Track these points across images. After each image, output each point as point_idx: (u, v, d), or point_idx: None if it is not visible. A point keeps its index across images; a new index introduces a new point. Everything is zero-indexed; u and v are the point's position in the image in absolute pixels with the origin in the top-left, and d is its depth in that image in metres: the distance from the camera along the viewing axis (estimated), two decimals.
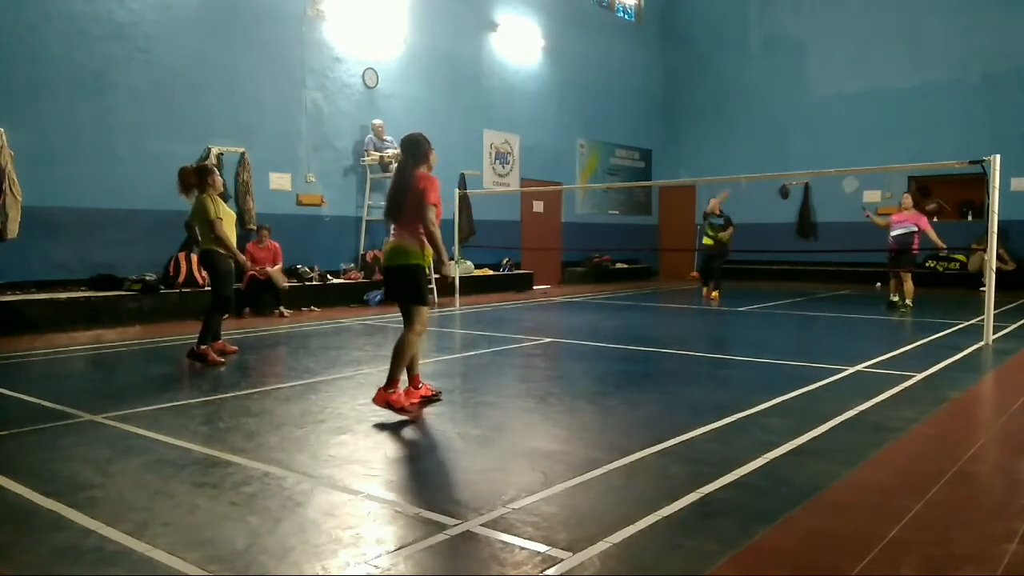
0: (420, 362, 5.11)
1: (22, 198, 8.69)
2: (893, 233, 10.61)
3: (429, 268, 4.85)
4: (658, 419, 4.75)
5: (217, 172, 6.92)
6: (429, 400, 4.98)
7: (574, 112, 17.02)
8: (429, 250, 4.71)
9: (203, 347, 6.54)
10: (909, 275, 10.64)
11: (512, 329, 8.94)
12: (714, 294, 12.36)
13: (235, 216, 7.05)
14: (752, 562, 2.62)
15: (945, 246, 10.75)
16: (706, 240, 12.58)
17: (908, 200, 10.89)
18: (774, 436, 4.12)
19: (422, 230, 4.61)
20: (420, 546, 2.73)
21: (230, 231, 6.70)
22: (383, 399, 4.62)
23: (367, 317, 10.21)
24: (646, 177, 19.18)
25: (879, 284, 14.89)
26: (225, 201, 6.94)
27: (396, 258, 4.70)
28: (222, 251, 6.62)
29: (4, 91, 8.83)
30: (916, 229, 10.47)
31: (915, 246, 10.56)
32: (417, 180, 4.64)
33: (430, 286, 10.26)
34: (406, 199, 4.63)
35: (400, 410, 4.62)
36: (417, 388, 4.96)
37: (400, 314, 4.84)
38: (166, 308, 9.57)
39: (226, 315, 6.91)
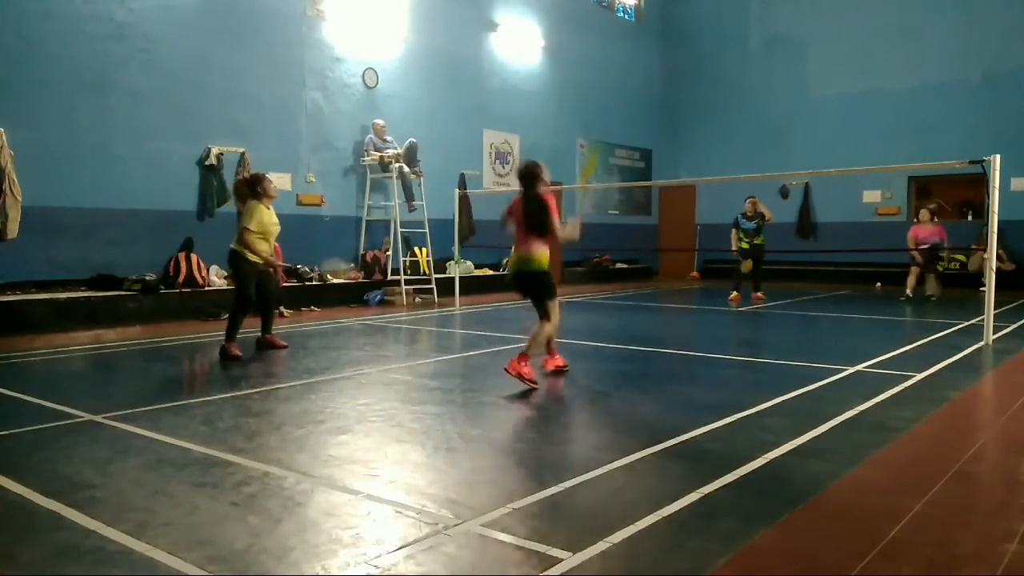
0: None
1: (22, 198, 8.70)
2: (924, 246, 12.14)
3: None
4: (658, 419, 4.75)
5: (268, 178, 7.33)
6: (560, 371, 5.95)
7: (574, 112, 17.02)
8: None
9: (225, 344, 6.90)
10: (934, 275, 12.28)
11: (512, 329, 8.94)
12: (758, 294, 12.34)
13: (277, 226, 7.35)
14: (752, 562, 2.62)
15: (950, 249, 12.43)
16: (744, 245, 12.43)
17: (926, 214, 12.27)
18: (774, 436, 4.12)
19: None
20: (420, 546, 2.73)
21: (268, 238, 7.15)
22: (516, 370, 5.34)
23: (367, 317, 10.22)
24: (646, 177, 19.18)
25: (879, 284, 14.90)
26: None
27: (529, 264, 5.73)
28: (248, 254, 6.97)
29: (4, 91, 8.82)
30: (940, 241, 12.13)
31: (944, 253, 12.41)
32: (545, 198, 5.75)
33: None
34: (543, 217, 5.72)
35: (529, 381, 5.34)
36: (553, 357, 6.02)
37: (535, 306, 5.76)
38: (166, 308, 9.57)
39: (247, 313, 7.12)
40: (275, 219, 7.30)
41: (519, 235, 5.80)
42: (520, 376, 5.34)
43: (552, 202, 5.73)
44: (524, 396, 5.38)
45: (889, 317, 10.19)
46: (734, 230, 12.56)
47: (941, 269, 12.81)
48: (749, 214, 12.42)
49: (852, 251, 12.23)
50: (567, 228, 5.92)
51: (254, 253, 6.98)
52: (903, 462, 3.79)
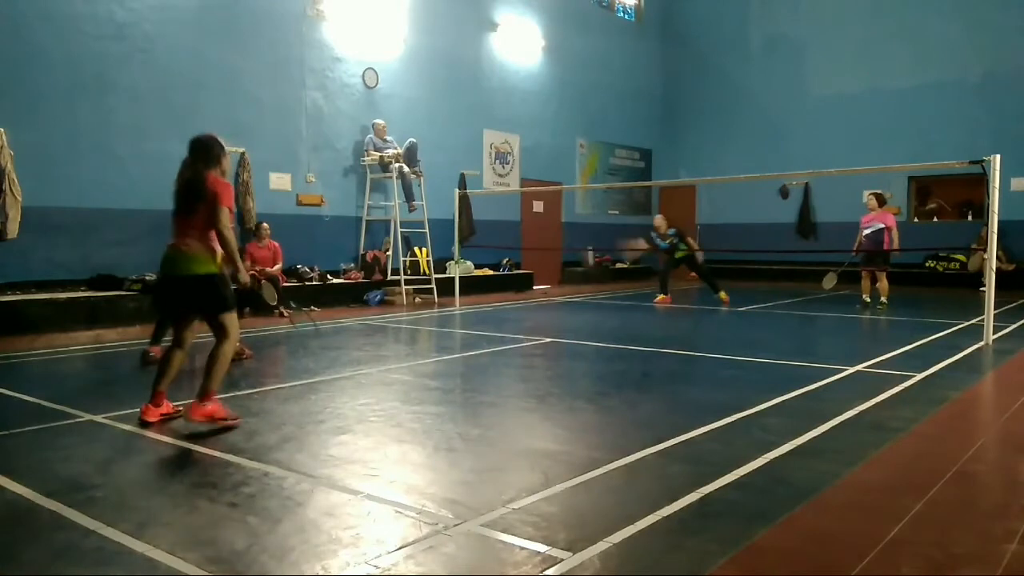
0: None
1: (22, 198, 8.70)
2: (865, 233, 11.02)
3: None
4: (658, 419, 4.75)
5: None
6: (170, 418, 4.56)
7: (574, 112, 17.02)
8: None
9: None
10: (884, 273, 11.09)
11: (512, 329, 8.94)
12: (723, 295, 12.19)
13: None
14: (752, 562, 2.62)
15: (900, 249, 11.12)
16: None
17: (873, 201, 11.16)
18: (774, 436, 4.12)
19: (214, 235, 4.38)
20: (420, 546, 2.73)
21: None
22: (202, 414, 4.25)
23: (367, 317, 10.21)
24: (646, 177, 19.18)
25: (878, 284, 14.89)
26: None
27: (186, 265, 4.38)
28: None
29: (4, 91, 8.82)
30: (884, 227, 10.88)
31: (887, 245, 10.93)
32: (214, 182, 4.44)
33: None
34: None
35: (224, 420, 4.31)
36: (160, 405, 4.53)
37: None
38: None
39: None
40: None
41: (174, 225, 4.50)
42: (211, 419, 4.25)
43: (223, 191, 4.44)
44: (524, 396, 5.38)
45: (889, 317, 10.19)
46: (642, 239, 12.52)
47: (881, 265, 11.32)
48: (661, 231, 12.08)
49: (852, 251, 12.24)
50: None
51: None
52: (903, 462, 3.79)
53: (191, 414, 4.27)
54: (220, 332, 4.41)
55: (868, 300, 11.06)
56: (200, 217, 4.32)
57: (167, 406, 4.56)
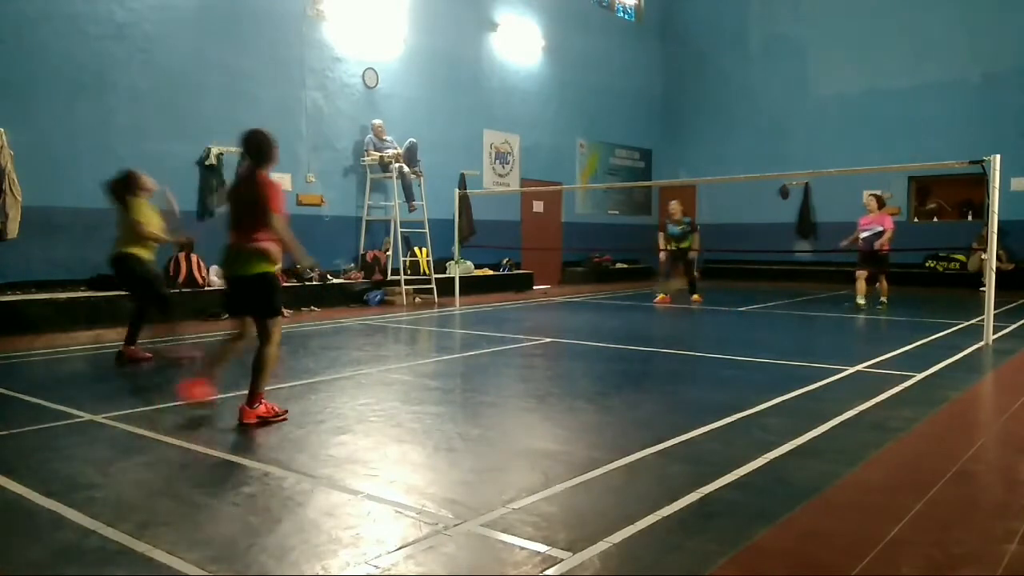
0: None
1: (22, 198, 8.70)
2: (863, 235, 10.93)
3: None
4: (658, 419, 4.75)
5: (140, 173, 6.84)
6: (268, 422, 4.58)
7: (574, 112, 17.02)
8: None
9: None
10: (884, 275, 11.07)
11: (512, 329, 8.94)
12: (696, 296, 12.23)
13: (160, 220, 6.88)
14: (752, 562, 2.62)
15: (890, 249, 10.98)
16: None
17: (873, 203, 11.06)
18: (774, 436, 4.12)
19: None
20: (420, 546, 2.73)
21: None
22: (255, 415, 4.42)
23: (367, 317, 10.21)
24: (646, 177, 19.18)
25: (879, 284, 14.88)
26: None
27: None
28: (142, 252, 6.57)
29: (4, 91, 8.82)
30: (883, 229, 10.78)
31: (885, 247, 10.87)
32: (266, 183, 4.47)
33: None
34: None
35: (276, 416, 4.50)
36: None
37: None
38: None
39: (173, 312, 6.95)
40: (156, 214, 6.82)
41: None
42: (263, 420, 4.43)
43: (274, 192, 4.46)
44: (524, 396, 5.38)
45: (889, 317, 10.19)
46: (661, 233, 12.47)
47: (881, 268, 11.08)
48: (675, 217, 12.18)
49: (852, 251, 12.22)
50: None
51: (157, 240, 6.63)
52: (903, 462, 3.79)
53: (244, 418, 4.41)
54: (264, 335, 4.54)
55: (862, 302, 10.76)
56: (255, 219, 4.38)
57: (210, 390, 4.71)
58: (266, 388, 4.60)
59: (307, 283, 11.30)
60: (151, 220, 6.61)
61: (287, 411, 4.63)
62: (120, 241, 6.56)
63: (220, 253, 4.69)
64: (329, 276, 11.80)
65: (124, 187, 6.65)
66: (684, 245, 12.14)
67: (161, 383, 5.98)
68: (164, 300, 6.79)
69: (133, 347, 6.73)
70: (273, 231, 4.38)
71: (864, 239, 10.92)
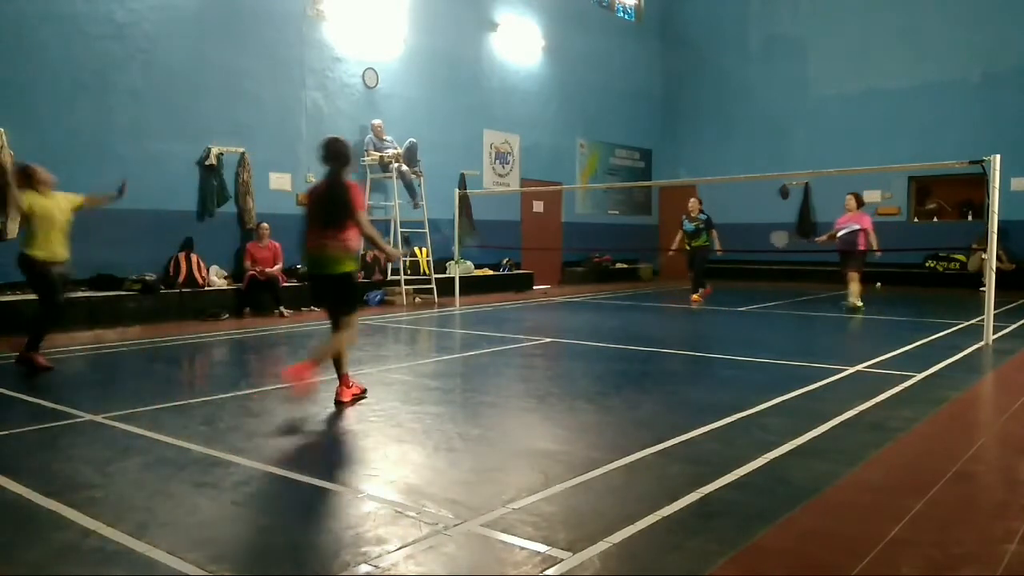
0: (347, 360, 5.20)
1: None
2: (840, 234, 10.70)
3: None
4: (658, 419, 4.75)
5: (34, 166, 6.50)
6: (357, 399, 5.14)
7: (574, 112, 17.02)
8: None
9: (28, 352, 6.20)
10: (857, 275, 10.58)
11: (512, 329, 8.94)
12: (695, 295, 12.25)
13: (63, 212, 6.59)
14: (752, 562, 2.62)
15: (880, 250, 10.69)
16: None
17: (852, 202, 10.78)
18: (774, 436, 4.12)
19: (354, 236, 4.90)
20: (420, 546, 2.73)
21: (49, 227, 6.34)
22: (349, 395, 4.98)
23: (367, 317, 10.21)
24: (646, 177, 19.18)
25: (879, 284, 14.91)
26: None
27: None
28: (40, 253, 6.27)
29: (4, 91, 8.82)
30: (859, 228, 10.51)
31: (861, 246, 10.53)
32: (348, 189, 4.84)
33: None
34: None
35: (361, 393, 5.07)
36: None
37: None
38: (166, 308, 9.57)
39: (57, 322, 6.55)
40: (61, 204, 6.50)
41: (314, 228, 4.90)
42: (355, 397, 4.97)
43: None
44: (524, 396, 5.38)
45: (889, 317, 10.19)
46: (680, 231, 12.45)
47: (856, 271, 10.60)
48: (692, 214, 12.19)
49: (851, 251, 12.20)
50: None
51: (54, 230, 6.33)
52: (903, 462, 3.79)
53: (340, 398, 4.95)
54: (342, 326, 4.99)
55: (859, 303, 10.48)
56: (340, 221, 4.72)
57: (348, 380, 5.10)
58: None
59: (307, 283, 11.29)
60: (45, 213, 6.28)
61: (366, 389, 5.19)
62: (22, 240, 6.39)
63: (302, 253, 5.23)
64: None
65: (21, 182, 6.33)
66: (697, 243, 12.16)
67: (161, 383, 5.99)
68: (56, 309, 6.42)
69: (36, 353, 6.23)
70: (359, 227, 4.76)
71: (841, 238, 10.69)
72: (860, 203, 10.87)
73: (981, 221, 13.81)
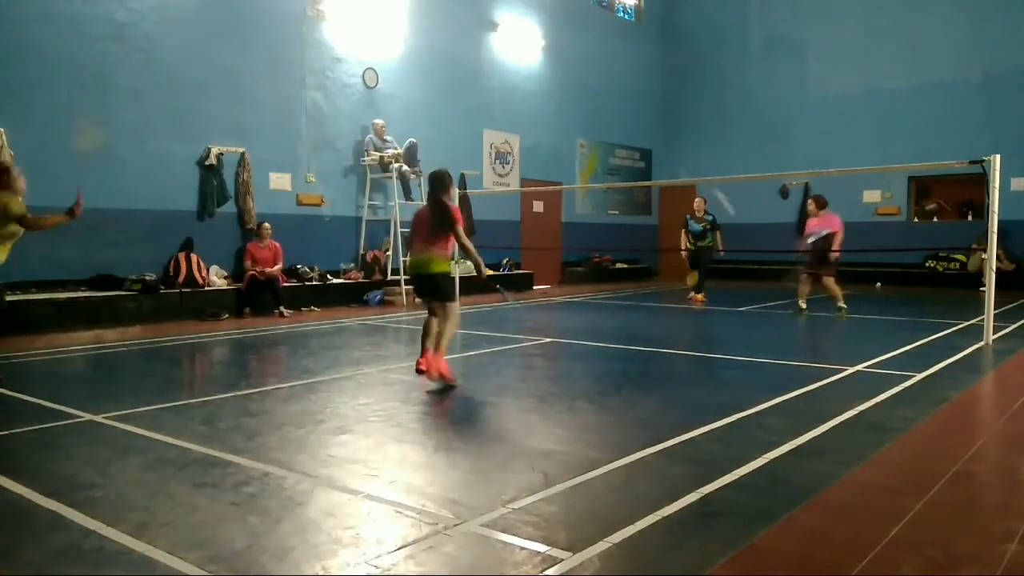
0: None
1: (22, 198, 8.67)
2: (810, 239, 10.25)
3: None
4: (658, 419, 4.75)
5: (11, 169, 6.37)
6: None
7: (574, 112, 17.02)
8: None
9: None
10: (832, 278, 10.18)
11: (512, 329, 8.94)
12: (699, 295, 12.27)
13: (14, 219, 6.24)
14: (752, 562, 2.62)
15: (839, 250, 10.17)
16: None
17: (813, 206, 10.35)
18: (774, 436, 4.12)
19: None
20: (420, 546, 2.73)
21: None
22: (437, 369, 5.54)
23: (367, 317, 10.21)
24: (646, 177, 19.18)
25: (879, 284, 14.90)
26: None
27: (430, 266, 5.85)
28: None
29: (4, 91, 8.82)
30: (830, 232, 10.09)
31: (834, 248, 10.12)
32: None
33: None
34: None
35: (451, 379, 5.58)
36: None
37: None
38: (166, 308, 9.57)
39: None
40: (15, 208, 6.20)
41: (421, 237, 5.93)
42: (443, 375, 5.53)
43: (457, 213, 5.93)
44: (524, 396, 5.38)
45: (889, 317, 10.18)
46: (683, 231, 12.51)
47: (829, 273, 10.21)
48: (698, 214, 12.26)
49: (852, 251, 12.20)
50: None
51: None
52: (903, 462, 3.78)
53: (430, 367, 5.54)
54: (445, 313, 5.82)
55: (804, 305, 10.27)
56: (440, 234, 5.74)
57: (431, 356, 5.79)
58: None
59: (307, 283, 11.31)
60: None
61: (456, 382, 5.65)
62: None
63: (408, 261, 6.79)
64: (329, 276, 11.81)
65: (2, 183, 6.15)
66: (703, 244, 12.20)
67: (161, 383, 5.98)
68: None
69: None
70: (457, 239, 5.74)
71: (812, 243, 10.21)
72: (822, 205, 10.37)
73: (981, 221, 13.81)
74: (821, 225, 10.22)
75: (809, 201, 10.59)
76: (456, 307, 5.96)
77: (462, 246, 5.81)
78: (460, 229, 5.78)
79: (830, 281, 10.15)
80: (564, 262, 16.91)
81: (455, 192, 6.56)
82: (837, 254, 10.25)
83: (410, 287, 12.23)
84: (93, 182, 9.62)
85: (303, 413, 4.78)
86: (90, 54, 9.52)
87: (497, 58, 15.21)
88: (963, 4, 15.41)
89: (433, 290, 5.90)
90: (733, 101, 18.39)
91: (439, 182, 5.96)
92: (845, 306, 9.99)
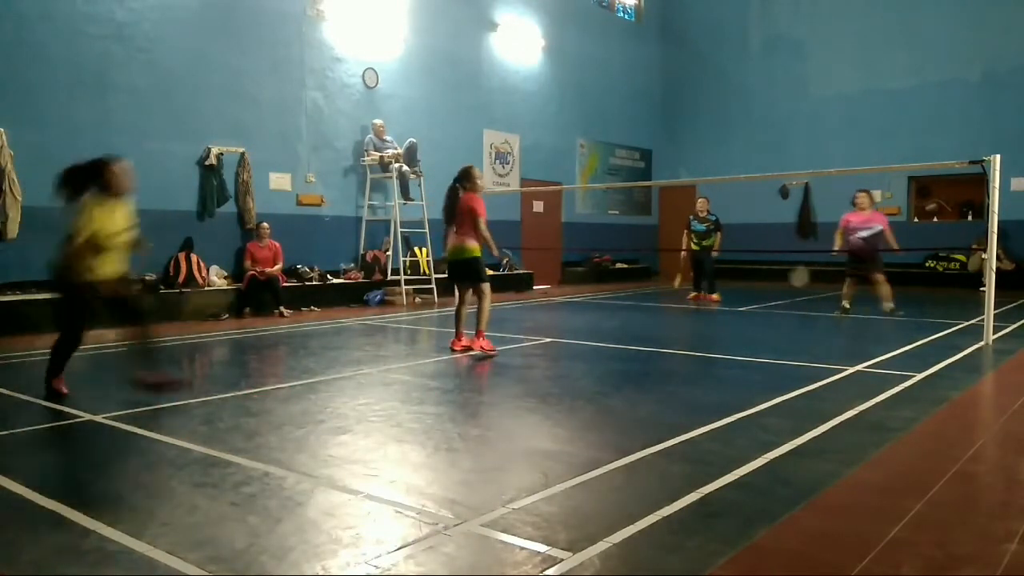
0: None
1: (22, 198, 8.69)
2: (861, 235, 9.73)
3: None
4: (658, 419, 4.75)
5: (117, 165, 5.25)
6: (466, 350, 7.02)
7: (574, 112, 17.01)
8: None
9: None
10: (883, 276, 9.81)
11: (512, 329, 8.94)
12: (714, 296, 12.32)
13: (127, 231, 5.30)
14: (752, 562, 2.62)
15: (899, 248, 9.93)
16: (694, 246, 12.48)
17: (866, 200, 9.86)
18: (774, 436, 4.12)
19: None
20: (420, 546, 2.73)
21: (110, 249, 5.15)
22: (479, 345, 6.88)
23: (367, 317, 10.21)
24: (646, 177, 19.18)
25: None
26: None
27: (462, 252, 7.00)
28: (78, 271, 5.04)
29: (4, 91, 8.82)
30: (881, 228, 9.73)
31: (893, 247, 9.87)
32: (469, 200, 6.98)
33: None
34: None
35: (490, 351, 6.89)
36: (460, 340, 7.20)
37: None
38: (166, 308, 9.56)
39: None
40: (124, 221, 5.20)
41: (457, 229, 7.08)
42: (484, 349, 6.82)
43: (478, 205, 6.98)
44: (524, 396, 5.38)
45: (889, 317, 10.17)
46: (685, 231, 12.55)
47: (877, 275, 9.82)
48: (702, 214, 12.34)
49: (851, 251, 12.16)
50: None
51: (78, 270, 4.96)
52: (903, 462, 3.78)
53: (475, 345, 6.92)
54: (479, 294, 6.97)
55: (848, 306, 9.99)
56: (467, 223, 6.90)
57: (465, 340, 7.09)
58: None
59: (307, 283, 11.31)
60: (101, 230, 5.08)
61: (496, 350, 6.90)
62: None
63: (443, 249, 7.61)
64: (329, 276, 11.81)
65: (90, 177, 5.17)
66: (706, 243, 12.24)
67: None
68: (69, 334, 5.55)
69: (59, 379, 5.42)
70: (477, 230, 6.84)
71: (865, 239, 9.75)
72: (873, 201, 10.07)
73: (981, 221, 13.81)
74: (870, 221, 9.73)
75: (859, 195, 9.94)
76: (488, 287, 6.95)
77: (482, 238, 6.90)
78: (482, 222, 6.83)
79: (881, 279, 9.77)
80: (564, 262, 16.90)
81: (481, 184, 7.19)
82: (882, 251, 9.79)
83: (410, 287, 12.25)
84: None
85: (303, 413, 4.78)
86: (90, 54, 9.52)
87: (497, 58, 15.21)
88: (963, 4, 15.40)
89: (469, 273, 6.95)
90: (733, 101, 18.39)
91: (465, 176, 7.02)
92: (893, 305, 9.65)
